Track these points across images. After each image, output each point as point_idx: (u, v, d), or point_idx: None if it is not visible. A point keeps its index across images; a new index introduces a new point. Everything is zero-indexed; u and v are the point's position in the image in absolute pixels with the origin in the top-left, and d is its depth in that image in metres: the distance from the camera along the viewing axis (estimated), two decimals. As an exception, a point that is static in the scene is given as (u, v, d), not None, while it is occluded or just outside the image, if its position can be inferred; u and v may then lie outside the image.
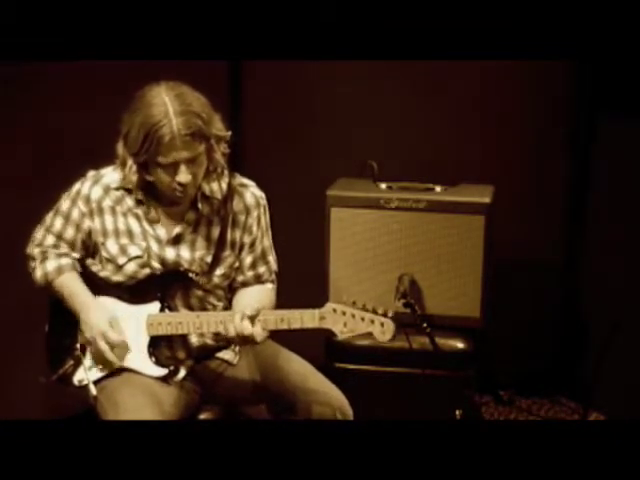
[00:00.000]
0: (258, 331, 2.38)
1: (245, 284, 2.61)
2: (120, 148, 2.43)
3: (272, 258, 2.65)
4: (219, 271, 2.56)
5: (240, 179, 2.59)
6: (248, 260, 2.59)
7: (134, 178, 2.45)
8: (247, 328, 2.37)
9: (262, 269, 2.62)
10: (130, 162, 2.41)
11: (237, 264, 2.59)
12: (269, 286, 2.65)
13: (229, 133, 2.48)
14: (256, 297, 2.55)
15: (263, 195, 2.61)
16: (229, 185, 2.55)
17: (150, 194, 2.51)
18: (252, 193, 2.58)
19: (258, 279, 2.62)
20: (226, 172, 2.55)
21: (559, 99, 3.53)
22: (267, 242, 2.63)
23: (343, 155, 3.56)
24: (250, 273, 2.61)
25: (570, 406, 3.68)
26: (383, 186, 3.27)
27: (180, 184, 2.39)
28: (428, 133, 3.58)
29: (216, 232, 2.54)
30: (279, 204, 2.76)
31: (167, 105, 2.33)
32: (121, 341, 2.50)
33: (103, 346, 2.48)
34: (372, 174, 3.30)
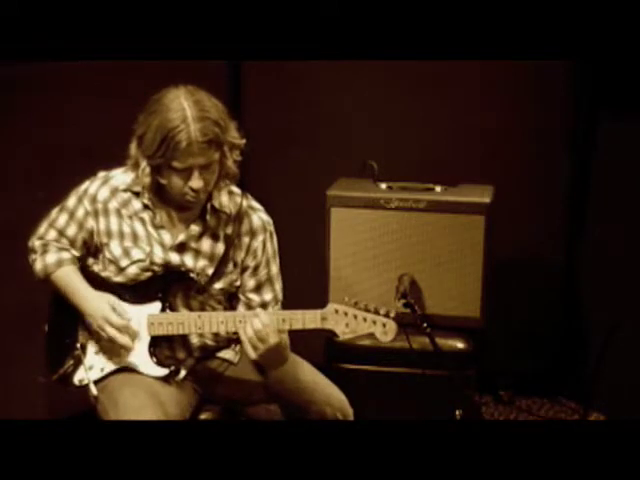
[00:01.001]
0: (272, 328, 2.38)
1: (250, 309, 2.58)
2: (134, 149, 2.43)
3: (279, 287, 2.63)
4: (218, 285, 2.56)
5: (251, 201, 2.59)
6: (251, 283, 2.58)
7: (147, 180, 2.44)
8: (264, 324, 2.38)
9: (268, 296, 2.61)
10: (144, 164, 2.41)
11: (238, 282, 2.58)
12: None
13: (244, 141, 2.47)
14: None
15: (271, 221, 2.60)
16: (239, 205, 2.54)
17: (159, 197, 2.51)
18: (259, 217, 2.57)
19: (264, 306, 2.58)
20: (238, 191, 2.56)
21: (559, 99, 3.53)
22: (274, 269, 2.61)
23: (343, 155, 3.56)
24: (256, 299, 2.59)
25: (570, 406, 3.68)
26: (383, 186, 3.27)
27: (192, 189, 2.39)
28: (428, 133, 3.58)
29: (220, 247, 2.54)
30: (279, 204, 2.76)
31: (185, 110, 2.32)
32: (126, 323, 2.50)
33: (111, 331, 2.48)
34: (372, 174, 3.30)
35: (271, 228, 2.60)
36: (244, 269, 2.57)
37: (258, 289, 2.59)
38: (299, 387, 2.54)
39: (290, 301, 2.51)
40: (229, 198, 2.54)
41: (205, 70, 3.07)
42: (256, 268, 2.57)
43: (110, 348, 2.54)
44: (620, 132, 3.37)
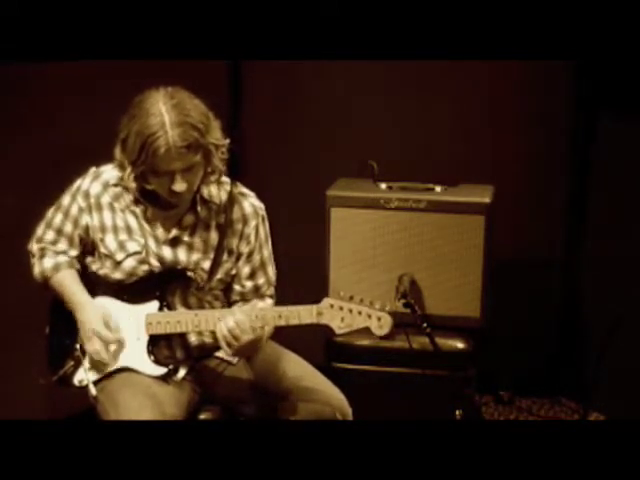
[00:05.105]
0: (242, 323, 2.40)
1: (243, 295, 2.61)
2: (118, 153, 2.44)
3: (271, 270, 2.64)
4: (215, 276, 2.56)
5: (241, 188, 2.59)
6: (246, 270, 2.59)
7: (132, 185, 2.46)
8: (238, 323, 2.40)
9: (261, 280, 2.62)
10: (128, 170, 2.42)
11: (234, 271, 2.59)
12: (268, 302, 2.64)
13: (227, 142, 2.47)
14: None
15: (262, 206, 2.61)
16: (229, 193, 2.55)
17: (148, 197, 2.51)
18: (251, 203, 2.58)
19: (257, 291, 2.62)
20: (227, 179, 2.56)
21: (559, 99, 3.52)
22: (266, 253, 2.62)
23: (343, 155, 3.56)
24: (249, 284, 2.61)
25: (570, 406, 3.68)
26: (383, 186, 3.26)
27: (175, 192, 2.39)
28: (428, 133, 3.57)
29: (214, 237, 2.55)
30: (279, 204, 2.76)
31: (163, 115, 2.32)
32: (115, 339, 2.51)
33: (98, 345, 2.49)
34: (372, 174, 3.30)
35: (263, 213, 2.60)
36: (238, 256, 2.58)
37: (252, 275, 2.60)
38: (298, 387, 2.54)
39: (290, 302, 2.50)
40: (218, 188, 2.55)
41: (205, 70, 3.07)
42: (250, 254, 2.58)
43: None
44: (621, 132, 3.37)
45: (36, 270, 2.62)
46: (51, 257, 2.60)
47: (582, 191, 3.59)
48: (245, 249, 2.57)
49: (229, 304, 2.61)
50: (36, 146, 3.06)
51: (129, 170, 2.41)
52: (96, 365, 2.54)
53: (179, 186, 2.38)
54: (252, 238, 2.57)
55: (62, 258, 2.60)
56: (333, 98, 3.64)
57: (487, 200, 3.15)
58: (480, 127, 3.56)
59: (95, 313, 2.52)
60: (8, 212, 2.98)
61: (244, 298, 2.61)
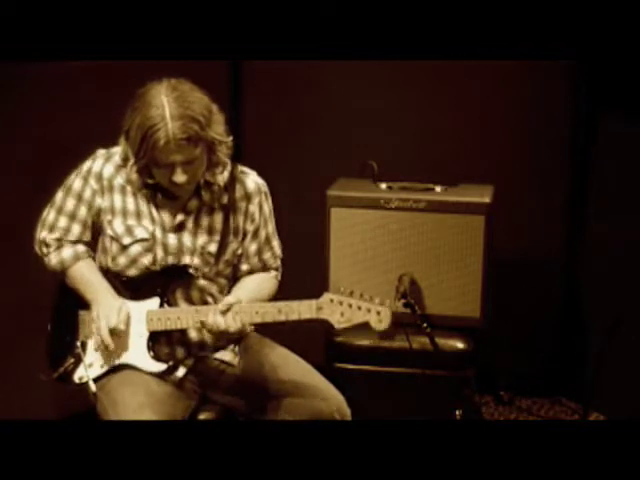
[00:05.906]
0: (229, 322, 2.42)
1: (250, 272, 2.64)
2: (122, 143, 2.46)
3: (276, 243, 2.68)
4: (222, 258, 2.57)
5: (241, 168, 2.61)
6: (253, 248, 2.62)
7: (134, 177, 2.47)
8: (220, 323, 2.41)
9: (267, 255, 2.65)
10: (132, 161, 2.42)
11: (240, 250, 2.60)
12: (272, 274, 2.67)
13: (230, 139, 2.48)
14: (257, 287, 2.60)
15: (264, 183, 2.63)
16: (231, 173, 2.56)
17: (151, 188, 2.53)
18: (253, 180, 2.60)
19: (263, 265, 2.65)
20: (227, 160, 2.56)
21: (559, 99, 3.53)
22: (270, 228, 2.65)
23: (343, 155, 3.56)
24: (256, 260, 2.64)
25: (570, 406, 3.68)
26: (383, 186, 3.27)
27: (176, 184, 2.40)
28: (428, 133, 3.58)
29: (218, 219, 2.56)
30: (279, 204, 2.76)
31: (165, 107, 2.33)
32: (115, 325, 2.48)
33: (103, 329, 2.47)
34: (372, 174, 3.30)
35: (265, 189, 2.63)
36: (244, 235, 2.59)
37: (259, 251, 2.63)
38: (297, 386, 2.54)
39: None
40: (220, 173, 2.56)
41: (205, 70, 3.07)
42: (256, 232, 2.61)
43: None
44: (621, 132, 3.37)
45: (53, 260, 2.61)
46: (70, 247, 2.60)
47: (582, 191, 3.59)
48: (250, 227, 2.59)
49: (234, 280, 2.63)
50: (35, 146, 3.06)
51: (132, 162, 2.42)
52: (114, 350, 2.52)
53: (179, 177, 2.39)
54: (257, 215, 2.59)
55: (80, 247, 2.61)
56: (333, 98, 3.64)
57: (487, 200, 3.15)
58: (480, 127, 3.56)
59: (117, 303, 2.51)
60: (8, 212, 2.98)
61: (251, 273, 2.63)
